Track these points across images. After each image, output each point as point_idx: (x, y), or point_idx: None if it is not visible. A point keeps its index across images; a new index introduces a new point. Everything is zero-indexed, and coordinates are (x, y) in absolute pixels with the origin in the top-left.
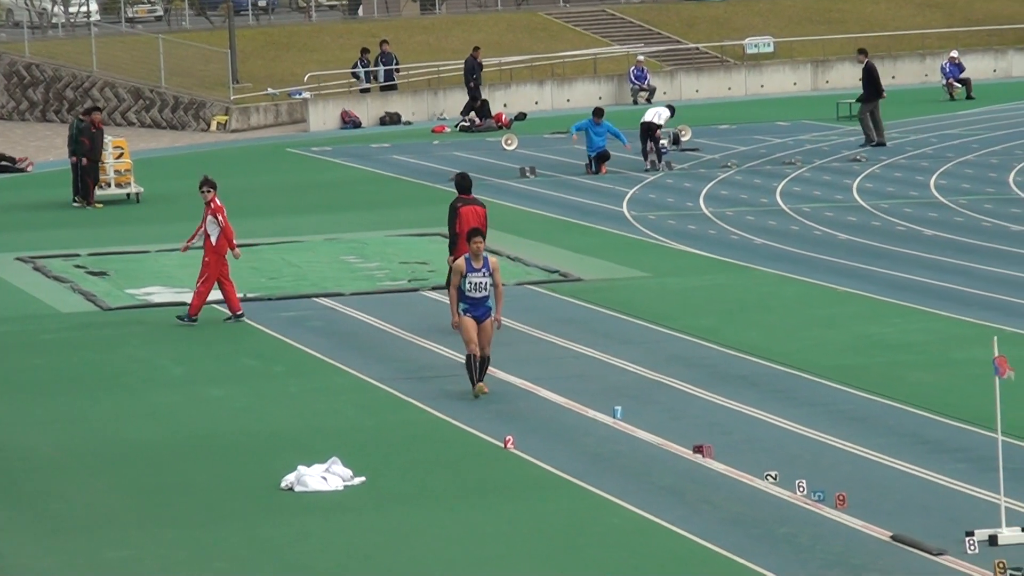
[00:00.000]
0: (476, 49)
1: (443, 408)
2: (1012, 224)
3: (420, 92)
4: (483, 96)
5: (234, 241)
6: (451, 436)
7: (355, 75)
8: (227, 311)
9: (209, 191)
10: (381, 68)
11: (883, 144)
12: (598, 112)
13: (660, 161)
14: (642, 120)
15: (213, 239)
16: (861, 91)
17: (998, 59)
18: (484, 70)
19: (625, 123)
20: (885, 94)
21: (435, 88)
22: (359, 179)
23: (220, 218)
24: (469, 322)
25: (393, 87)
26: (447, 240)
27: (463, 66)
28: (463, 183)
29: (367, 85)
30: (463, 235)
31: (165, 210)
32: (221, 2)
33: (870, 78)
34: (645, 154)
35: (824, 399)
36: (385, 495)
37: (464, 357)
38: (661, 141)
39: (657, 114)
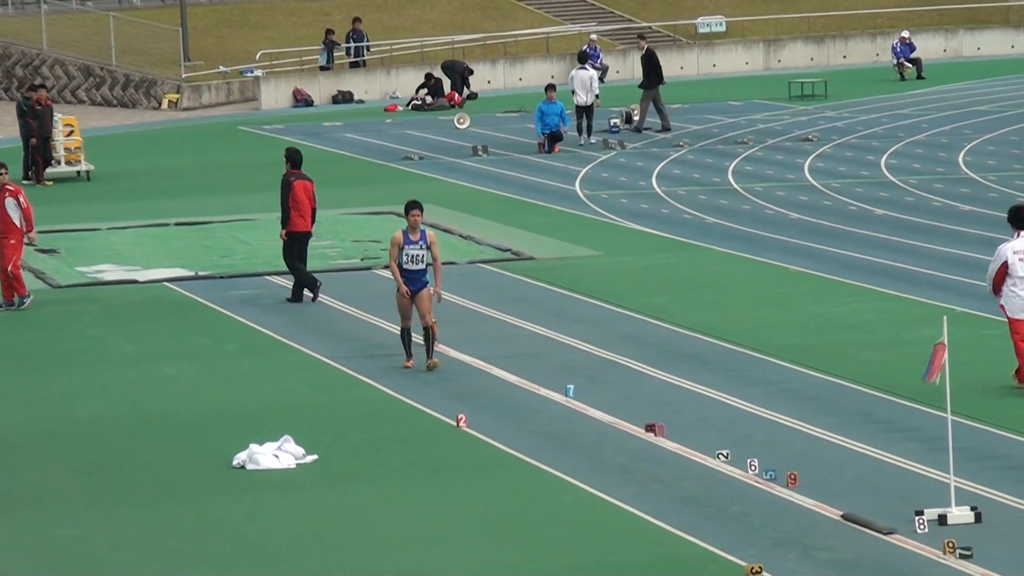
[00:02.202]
0: (467, 69)
1: (395, 386)
2: (962, 204)
3: (373, 71)
4: (469, 85)
5: (33, 224)
6: (403, 414)
7: (341, 50)
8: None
9: (3, 173)
10: (352, 45)
11: (668, 130)
12: (550, 87)
13: (590, 136)
14: (576, 104)
15: (17, 221)
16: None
17: (948, 39)
18: (436, 48)
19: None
20: (666, 80)
21: (388, 67)
22: (311, 157)
23: (22, 199)
24: (404, 297)
25: (361, 64)
26: (400, 218)
27: (447, 63)
28: (297, 158)
29: (328, 65)
30: (293, 209)
31: (116, 188)
32: None
33: (651, 64)
34: (579, 128)
35: (775, 378)
36: (337, 473)
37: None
38: (613, 120)
39: (588, 93)
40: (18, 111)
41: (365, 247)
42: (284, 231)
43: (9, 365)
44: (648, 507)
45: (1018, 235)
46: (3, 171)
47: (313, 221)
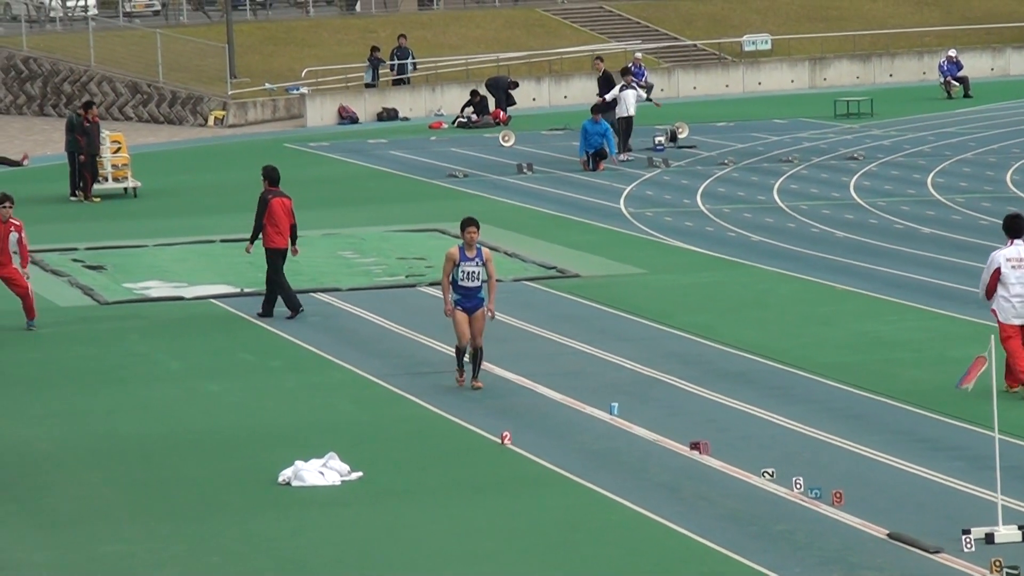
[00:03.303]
0: (511, 83)
1: (440, 404)
2: None
3: (418, 88)
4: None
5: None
6: (448, 432)
7: (386, 67)
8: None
9: (9, 207)
10: (396, 62)
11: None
12: (595, 109)
13: (622, 152)
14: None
15: (10, 253)
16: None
17: (996, 57)
18: (482, 66)
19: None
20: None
21: (433, 84)
22: (356, 175)
23: (23, 235)
24: (461, 315)
25: (405, 81)
26: (444, 236)
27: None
28: (275, 175)
29: (373, 82)
30: (270, 225)
31: (162, 205)
32: None
33: (608, 86)
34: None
35: (821, 396)
36: (382, 490)
37: (454, 348)
38: (657, 138)
39: (626, 106)
40: (67, 126)
41: (410, 264)
42: (251, 245)
43: (55, 381)
44: (693, 525)
45: (1011, 243)
46: (9, 204)
47: (294, 238)
